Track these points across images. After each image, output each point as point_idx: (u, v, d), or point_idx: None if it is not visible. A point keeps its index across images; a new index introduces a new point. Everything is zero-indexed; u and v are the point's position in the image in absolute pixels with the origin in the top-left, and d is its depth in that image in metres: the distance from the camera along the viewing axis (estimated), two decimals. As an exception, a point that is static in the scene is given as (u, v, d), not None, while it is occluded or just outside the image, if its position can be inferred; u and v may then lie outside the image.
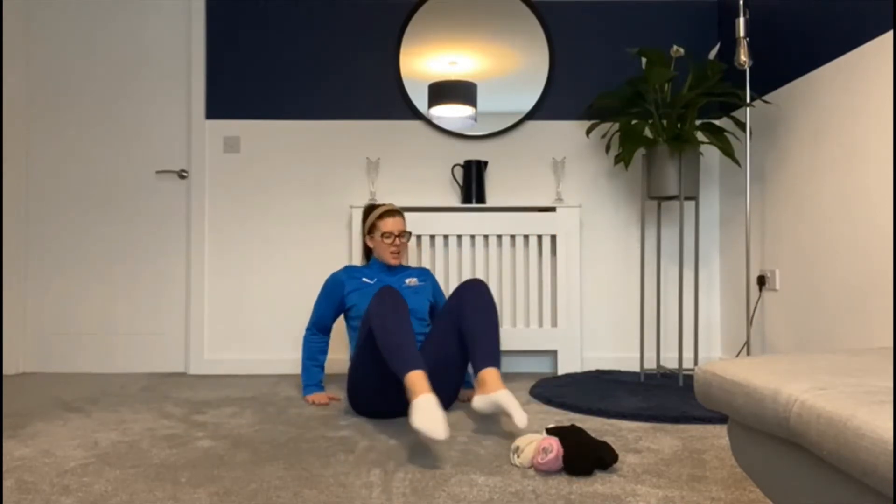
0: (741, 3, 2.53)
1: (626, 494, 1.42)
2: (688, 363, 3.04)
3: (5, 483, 1.51)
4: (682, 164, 2.61)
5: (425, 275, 2.51)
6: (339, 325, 3.06)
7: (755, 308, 2.81)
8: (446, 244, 2.97)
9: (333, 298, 2.39)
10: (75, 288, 3.16)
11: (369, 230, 2.47)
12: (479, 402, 1.86)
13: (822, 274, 2.39)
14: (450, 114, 3.10)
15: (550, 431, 1.66)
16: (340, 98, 3.14)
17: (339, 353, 3.06)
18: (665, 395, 2.38)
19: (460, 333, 2.09)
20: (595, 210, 3.14)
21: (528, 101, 3.11)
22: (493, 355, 1.95)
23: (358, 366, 2.06)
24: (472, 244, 2.99)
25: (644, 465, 1.62)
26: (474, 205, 2.98)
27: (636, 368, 3.07)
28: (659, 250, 2.89)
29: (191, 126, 3.11)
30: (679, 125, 2.65)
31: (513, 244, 3.04)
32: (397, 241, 2.42)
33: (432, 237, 2.99)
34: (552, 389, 2.52)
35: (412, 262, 2.98)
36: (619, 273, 3.13)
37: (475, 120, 3.11)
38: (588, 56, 3.15)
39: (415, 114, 3.13)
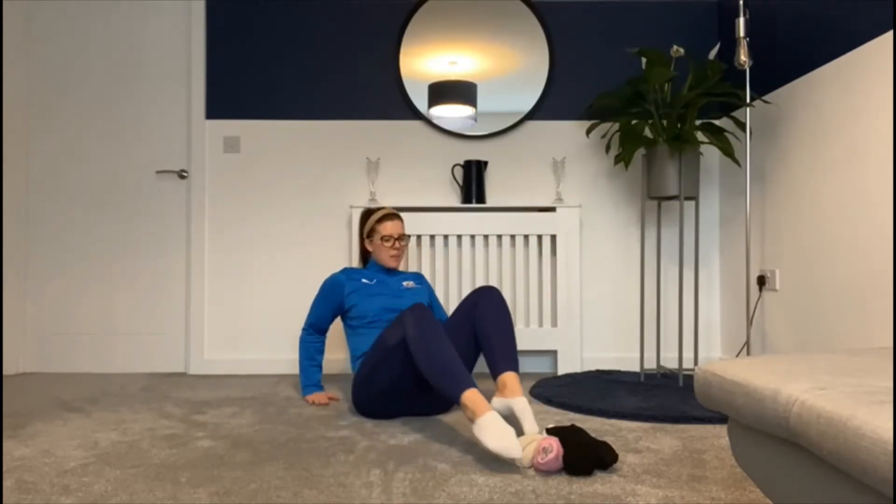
0: (741, 3, 2.53)
1: (626, 494, 1.42)
2: (688, 363, 3.04)
3: (5, 483, 1.51)
4: (682, 164, 2.61)
5: (420, 279, 2.54)
6: (337, 326, 3.06)
7: (755, 308, 2.81)
8: (446, 244, 2.97)
9: (332, 301, 2.39)
10: (75, 288, 3.16)
11: (368, 234, 2.47)
12: (498, 404, 1.87)
13: (822, 274, 2.39)
14: (450, 114, 3.10)
15: (550, 431, 1.66)
16: (340, 98, 3.14)
17: (337, 354, 3.07)
18: (665, 395, 2.38)
19: (474, 337, 2.11)
20: (595, 210, 3.14)
21: (528, 101, 3.11)
22: (513, 360, 1.97)
23: (370, 373, 2.05)
24: (472, 244, 2.99)
25: (644, 465, 1.62)
26: (474, 205, 2.98)
27: (636, 368, 3.07)
28: (659, 250, 2.89)
29: (191, 126, 3.11)
30: (679, 125, 2.65)
31: (513, 244, 3.04)
32: (397, 244, 2.43)
33: (432, 237, 2.99)
34: (552, 389, 2.52)
35: (412, 261, 2.98)
36: (619, 273, 3.13)
37: (475, 120, 3.11)
38: (588, 56, 3.15)
39: (415, 114, 3.13)
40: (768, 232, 2.74)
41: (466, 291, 2.97)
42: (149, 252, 3.16)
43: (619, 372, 2.93)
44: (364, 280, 2.40)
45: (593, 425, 2.02)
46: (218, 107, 3.13)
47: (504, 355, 1.97)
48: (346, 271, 2.43)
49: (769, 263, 2.73)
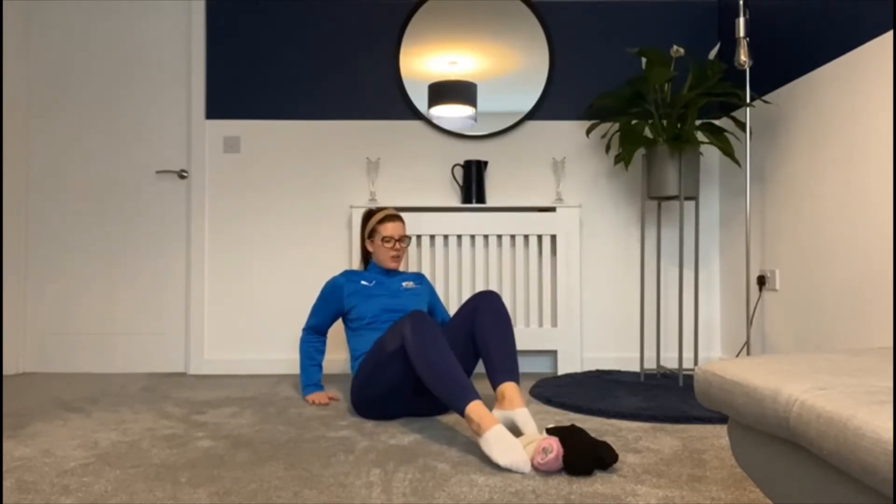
0: (741, 3, 2.53)
1: (626, 494, 1.42)
2: (688, 363, 3.04)
3: (5, 483, 1.51)
4: (682, 164, 2.61)
5: (421, 279, 2.53)
6: (338, 326, 3.06)
7: (755, 308, 2.81)
8: (446, 244, 2.97)
9: (331, 303, 2.40)
10: (75, 288, 3.16)
11: (369, 234, 2.48)
12: (499, 416, 1.85)
13: (822, 274, 2.39)
14: (450, 114, 3.10)
15: (550, 431, 1.66)
16: (340, 98, 3.14)
17: (337, 354, 3.07)
18: (665, 395, 2.38)
19: (473, 341, 2.09)
20: (595, 210, 3.14)
21: (528, 101, 3.11)
22: (512, 370, 1.94)
23: (368, 378, 2.05)
24: (472, 244, 2.99)
25: (644, 465, 1.62)
26: (474, 205, 2.98)
27: (636, 368, 3.07)
28: (659, 250, 2.89)
29: (191, 126, 3.12)
30: (679, 125, 2.65)
31: (513, 244, 3.04)
32: (397, 245, 2.43)
33: (432, 237, 2.99)
34: (552, 389, 2.52)
35: (412, 261, 2.98)
36: (619, 273, 3.13)
37: (475, 120, 3.11)
38: (588, 56, 3.15)
39: (415, 114, 3.13)
40: (768, 232, 2.74)
41: (467, 291, 2.97)
42: (149, 252, 3.16)
43: (619, 372, 2.93)
44: (363, 282, 2.41)
45: (593, 425, 2.02)
46: (218, 107, 3.13)
47: (504, 365, 1.94)
48: (346, 274, 2.44)
49: (769, 263, 2.73)
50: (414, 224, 2.93)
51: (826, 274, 2.37)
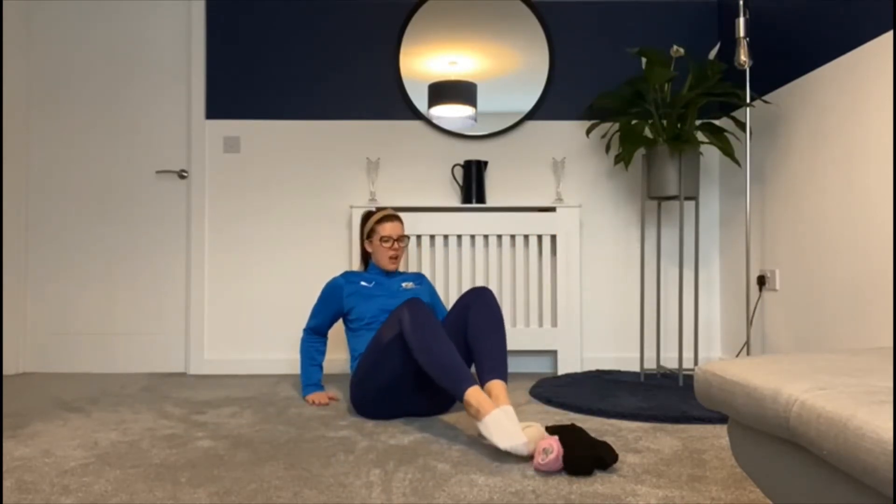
0: (741, 3, 2.53)
1: (626, 494, 1.42)
2: (688, 363, 3.04)
3: (5, 483, 1.51)
4: (682, 164, 2.61)
5: (421, 279, 2.54)
6: (338, 327, 3.06)
7: (755, 308, 2.81)
8: (446, 244, 2.97)
9: (331, 304, 2.40)
10: (75, 288, 3.16)
11: (368, 235, 2.49)
12: None
13: (822, 274, 2.39)
14: (450, 114, 3.10)
15: (550, 430, 1.66)
16: (340, 98, 3.14)
17: (337, 354, 3.07)
18: (665, 395, 2.38)
19: (465, 339, 2.09)
20: (595, 210, 3.14)
21: (528, 101, 3.11)
22: (500, 368, 1.94)
23: (368, 374, 2.06)
24: (472, 244, 2.99)
25: (644, 465, 1.62)
26: (474, 205, 2.98)
27: (636, 368, 3.07)
28: (659, 250, 2.89)
29: (191, 126, 3.11)
30: (679, 125, 2.65)
31: (513, 244, 3.04)
32: (395, 245, 2.44)
33: (432, 237, 2.99)
34: (552, 389, 2.52)
35: (412, 261, 2.98)
36: (619, 273, 3.13)
37: (475, 120, 3.11)
38: (588, 56, 3.15)
39: (415, 114, 3.13)
40: (768, 232, 2.74)
41: (466, 291, 2.97)
42: (149, 252, 3.16)
43: (619, 372, 2.93)
44: (363, 283, 2.42)
45: (593, 425, 2.02)
46: (218, 107, 3.13)
47: (492, 364, 1.94)
48: (346, 275, 2.45)
49: (769, 263, 2.73)
50: (414, 224, 2.93)
51: (826, 274, 2.37)
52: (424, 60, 3.11)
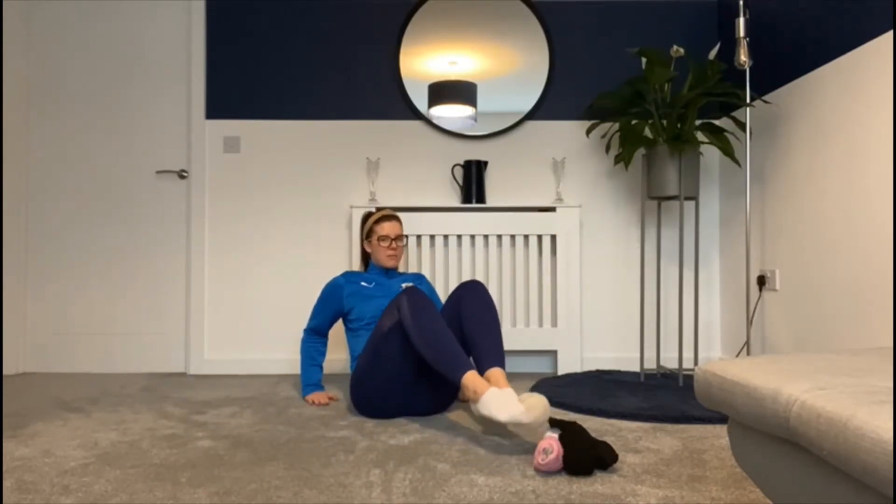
0: (741, 3, 2.53)
1: (626, 494, 1.42)
2: (688, 363, 3.04)
3: (5, 483, 1.51)
4: (682, 164, 2.61)
5: (421, 279, 2.56)
6: (338, 327, 3.06)
7: (755, 308, 2.81)
8: (446, 244, 2.97)
9: (331, 304, 2.41)
10: (75, 288, 3.16)
11: (367, 235, 2.51)
12: None
13: (822, 274, 2.39)
14: (450, 114, 3.10)
15: (553, 423, 1.65)
16: (340, 98, 3.14)
17: (338, 354, 3.07)
18: (665, 395, 2.38)
19: (461, 334, 2.10)
20: (595, 210, 3.14)
21: (528, 101, 3.11)
22: (498, 355, 1.96)
23: (367, 366, 2.06)
24: (472, 244, 2.99)
25: (644, 465, 1.62)
26: (474, 205, 2.98)
27: (636, 368, 3.07)
28: (659, 250, 2.89)
29: (191, 126, 3.11)
30: (679, 125, 2.65)
31: (513, 244, 3.04)
32: (393, 244, 2.45)
33: (432, 237, 2.99)
34: (552, 389, 2.52)
35: (412, 261, 2.98)
36: (619, 273, 3.13)
37: (475, 120, 3.11)
38: (588, 56, 3.15)
39: (415, 114, 3.13)
40: (768, 232, 2.74)
41: (466, 291, 2.97)
42: (149, 252, 3.16)
43: (619, 372, 2.93)
44: (363, 283, 2.43)
45: (593, 425, 2.02)
46: (218, 107, 3.13)
47: (490, 352, 1.97)
48: (347, 275, 2.45)
49: (769, 263, 2.73)
50: (414, 224, 2.93)
51: (826, 274, 2.37)
52: (424, 60, 3.11)
